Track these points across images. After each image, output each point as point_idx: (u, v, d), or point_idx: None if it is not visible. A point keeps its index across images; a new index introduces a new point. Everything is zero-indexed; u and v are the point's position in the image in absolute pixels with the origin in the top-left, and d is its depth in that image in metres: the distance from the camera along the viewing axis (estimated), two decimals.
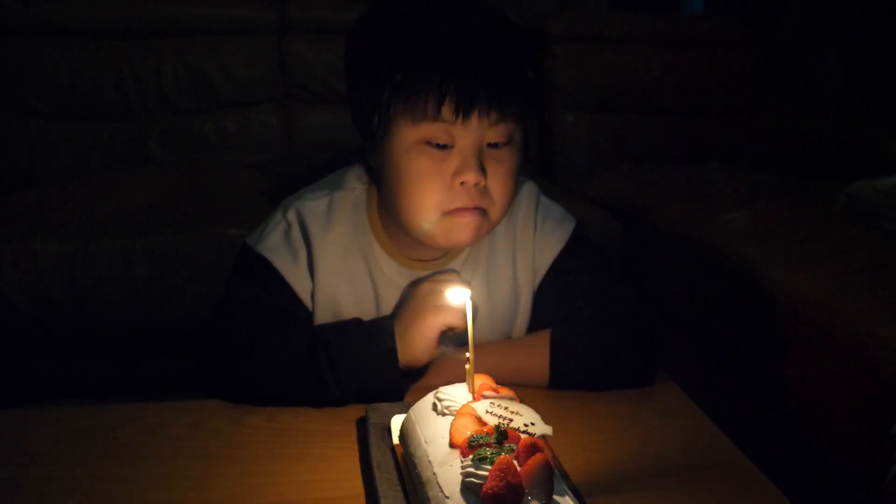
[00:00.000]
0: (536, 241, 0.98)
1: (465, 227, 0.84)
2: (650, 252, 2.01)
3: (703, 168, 2.42)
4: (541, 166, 2.63)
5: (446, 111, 0.79)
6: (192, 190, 1.99)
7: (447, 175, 0.81)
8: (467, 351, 0.71)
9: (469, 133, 0.81)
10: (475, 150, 0.81)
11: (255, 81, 2.35)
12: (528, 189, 1.01)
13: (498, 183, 0.84)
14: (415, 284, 0.93)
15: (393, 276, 0.95)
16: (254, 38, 2.37)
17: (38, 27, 2.21)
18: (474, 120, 0.80)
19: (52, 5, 2.24)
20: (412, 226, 0.86)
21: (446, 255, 0.96)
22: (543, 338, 0.92)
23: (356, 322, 0.90)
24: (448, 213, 0.83)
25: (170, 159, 2.28)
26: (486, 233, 0.90)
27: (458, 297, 0.73)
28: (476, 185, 0.81)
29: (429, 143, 0.81)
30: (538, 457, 0.57)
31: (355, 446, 0.78)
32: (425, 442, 0.66)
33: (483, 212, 0.84)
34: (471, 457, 0.60)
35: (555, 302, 0.97)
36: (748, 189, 2.11)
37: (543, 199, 1.01)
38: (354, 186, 0.96)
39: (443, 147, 0.81)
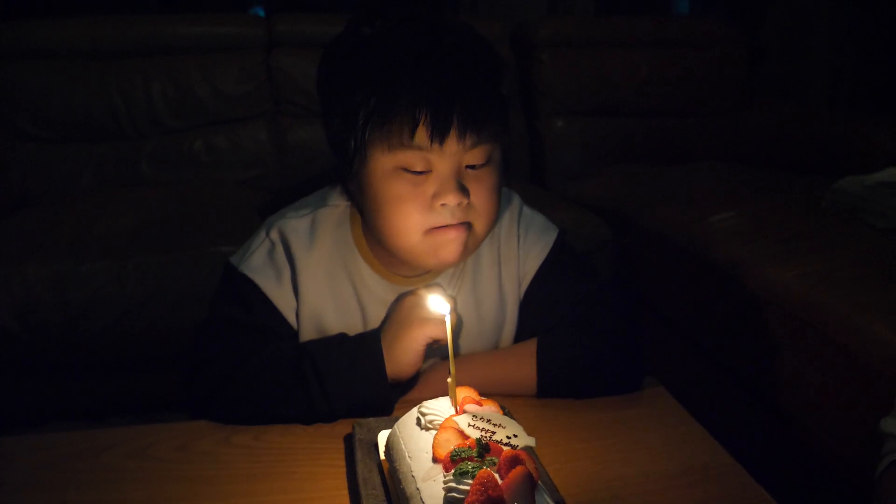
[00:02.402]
0: (520, 252, 0.98)
1: (451, 243, 0.83)
2: (641, 255, 2.02)
3: (692, 169, 2.43)
4: (531, 172, 2.64)
5: (421, 137, 0.78)
6: (183, 208, 1.99)
7: (426, 197, 0.81)
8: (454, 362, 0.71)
9: (446, 158, 0.80)
10: (454, 174, 0.81)
11: (244, 98, 2.36)
12: (510, 201, 1.01)
13: (480, 198, 0.83)
14: (400, 298, 0.93)
15: (378, 292, 0.95)
16: (242, 55, 2.38)
17: (26, 51, 2.22)
18: (450, 145, 0.79)
19: (38, 29, 2.25)
20: (396, 248, 0.86)
21: (431, 270, 0.96)
22: (529, 347, 0.92)
23: (342, 337, 0.90)
24: (431, 232, 0.82)
25: (161, 178, 2.28)
26: (474, 248, 0.89)
27: (439, 309, 0.74)
28: (458, 205, 0.81)
29: (406, 170, 0.80)
30: (519, 469, 0.58)
31: (342, 463, 0.78)
32: (409, 457, 0.66)
33: (468, 226, 0.84)
34: (453, 471, 0.60)
35: (540, 311, 0.97)
36: (737, 188, 2.11)
37: (525, 209, 1.01)
38: (338, 204, 0.96)
39: (420, 172, 0.81)
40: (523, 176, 2.60)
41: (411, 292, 0.92)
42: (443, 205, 0.81)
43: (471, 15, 3.07)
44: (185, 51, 2.35)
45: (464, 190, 0.81)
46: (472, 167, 0.83)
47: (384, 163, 0.81)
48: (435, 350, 0.91)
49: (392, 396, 0.88)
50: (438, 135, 0.78)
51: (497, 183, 0.86)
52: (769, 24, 3.16)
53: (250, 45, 2.40)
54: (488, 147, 0.83)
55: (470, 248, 0.87)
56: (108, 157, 2.27)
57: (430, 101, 0.77)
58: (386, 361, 0.86)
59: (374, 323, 0.94)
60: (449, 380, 0.70)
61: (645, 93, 2.65)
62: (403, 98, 0.77)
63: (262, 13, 3.92)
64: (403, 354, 0.87)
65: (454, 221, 0.82)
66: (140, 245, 1.74)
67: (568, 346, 0.91)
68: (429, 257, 0.85)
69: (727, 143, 2.73)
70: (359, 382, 0.85)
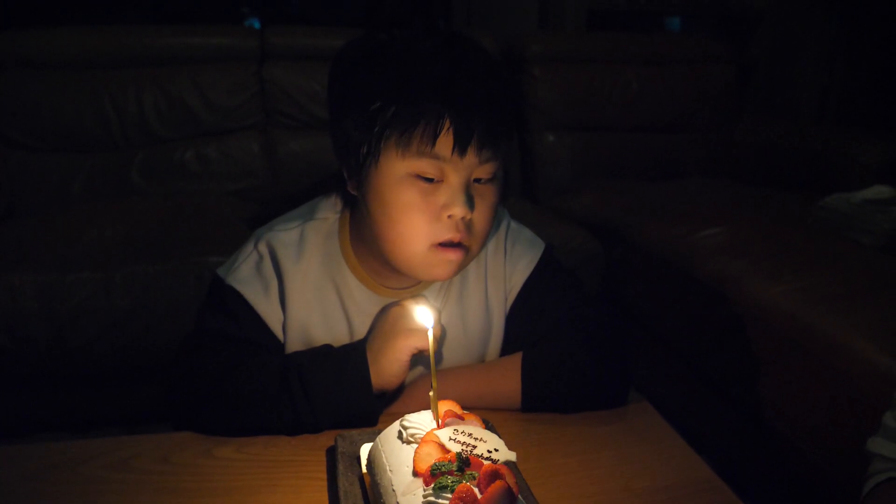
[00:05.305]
0: (507, 266, 0.99)
1: (447, 264, 0.85)
2: (630, 269, 2.02)
3: (681, 184, 2.45)
4: (522, 186, 2.65)
5: (441, 147, 0.79)
6: (173, 219, 1.99)
7: (435, 207, 0.82)
8: (437, 375, 0.72)
9: (460, 169, 0.81)
10: (464, 185, 0.82)
11: (236, 109, 2.37)
12: (498, 215, 1.01)
13: (481, 217, 0.85)
14: (385, 309, 0.93)
15: (365, 304, 0.95)
16: (234, 67, 2.38)
17: (17, 60, 2.22)
18: (468, 157, 0.80)
19: (30, 38, 2.25)
20: (396, 256, 0.86)
21: (419, 283, 0.96)
22: (514, 361, 0.92)
23: (327, 349, 0.90)
24: (434, 248, 0.83)
25: (152, 188, 2.28)
26: (463, 267, 0.90)
27: (425, 318, 0.74)
28: (463, 218, 0.82)
29: (418, 177, 0.82)
30: (498, 484, 0.58)
31: (324, 476, 0.77)
32: (390, 471, 0.66)
33: (466, 250, 0.85)
34: (432, 485, 0.60)
35: (526, 325, 0.98)
36: (724, 205, 2.13)
37: (513, 223, 1.03)
38: (327, 216, 0.96)
39: (431, 180, 0.82)
40: (514, 190, 2.61)
41: (396, 303, 0.92)
42: (449, 216, 0.82)
43: (464, 28, 3.09)
44: (177, 62, 2.35)
45: (471, 203, 0.82)
46: (479, 181, 0.84)
47: (398, 169, 0.82)
48: (421, 360, 0.91)
49: (377, 408, 0.88)
50: (461, 146, 0.79)
51: (496, 201, 0.88)
52: (758, 42, 3.20)
53: (243, 57, 2.41)
54: (497, 162, 0.84)
55: (462, 267, 0.89)
56: (98, 168, 2.27)
57: (457, 112, 0.79)
58: (371, 373, 0.86)
59: (361, 335, 0.94)
60: (431, 393, 0.70)
61: (635, 108, 2.67)
62: (429, 108, 0.78)
63: (257, 25, 3.93)
64: (389, 365, 0.87)
65: (457, 236, 0.83)
66: (128, 255, 1.74)
67: (553, 360, 0.91)
68: (422, 271, 0.87)
69: (716, 159, 2.75)
70: (344, 394, 0.85)
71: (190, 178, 2.32)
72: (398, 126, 0.80)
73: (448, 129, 0.79)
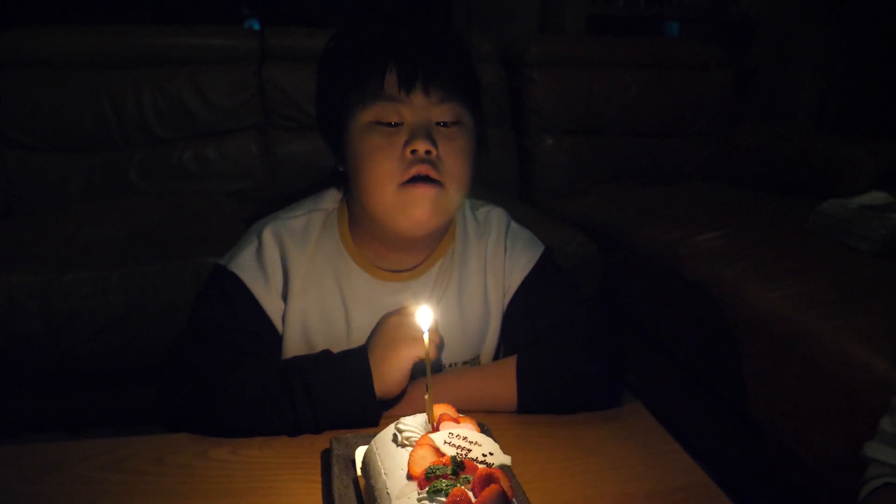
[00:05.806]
0: (506, 264, 1.00)
1: (421, 199, 0.86)
2: (627, 273, 2.03)
3: (678, 189, 2.45)
4: (520, 189, 2.65)
5: (391, 87, 0.85)
6: (171, 219, 1.99)
7: (399, 147, 0.86)
8: (433, 378, 0.71)
9: (416, 109, 0.86)
10: (423, 124, 0.86)
11: (235, 110, 2.37)
12: (499, 214, 1.04)
13: (451, 156, 0.87)
14: (385, 318, 0.93)
15: (363, 289, 0.96)
16: (234, 67, 2.38)
17: (17, 59, 2.22)
18: (418, 96, 0.85)
19: (30, 37, 2.25)
20: (373, 205, 0.89)
21: (417, 266, 0.97)
22: (510, 364, 0.93)
23: (328, 354, 0.90)
24: (404, 186, 0.86)
25: (150, 188, 2.28)
26: (447, 213, 0.92)
27: (424, 318, 0.73)
28: (427, 153, 0.85)
29: (380, 123, 0.86)
30: (493, 488, 0.58)
31: (319, 478, 0.77)
32: (385, 474, 0.66)
33: (440, 186, 0.87)
34: (427, 489, 0.60)
35: (522, 323, 0.99)
36: (723, 209, 2.13)
37: (513, 224, 1.04)
38: (328, 207, 0.99)
39: (393, 125, 0.86)
40: (512, 193, 2.61)
41: (396, 312, 0.92)
42: (413, 151, 0.85)
43: (464, 31, 3.09)
44: (177, 62, 2.35)
45: (432, 140, 0.85)
46: (443, 125, 0.88)
47: (361, 119, 0.87)
48: (421, 369, 0.91)
49: (379, 413, 0.88)
50: (406, 83, 0.85)
51: (467, 146, 0.90)
52: (757, 47, 3.21)
53: (243, 58, 2.41)
54: (456, 106, 0.88)
55: (442, 210, 0.90)
56: (96, 167, 2.26)
57: (399, 51, 0.85)
58: (374, 379, 0.86)
59: (357, 324, 0.95)
60: (426, 396, 0.70)
61: (634, 112, 2.67)
62: (375, 53, 0.86)
63: (256, 26, 3.93)
64: (391, 373, 0.87)
65: (422, 168, 0.85)
66: (125, 255, 1.73)
67: (548, 362, 0.92)
68: (401, 215, 0.88)
69: (714, 163, 2.75)
70: (347, 399, 0.85)
71: (188, 179, 2.32)
72: (353, 81, 0.87)
73: (393, 69, 0.85)
